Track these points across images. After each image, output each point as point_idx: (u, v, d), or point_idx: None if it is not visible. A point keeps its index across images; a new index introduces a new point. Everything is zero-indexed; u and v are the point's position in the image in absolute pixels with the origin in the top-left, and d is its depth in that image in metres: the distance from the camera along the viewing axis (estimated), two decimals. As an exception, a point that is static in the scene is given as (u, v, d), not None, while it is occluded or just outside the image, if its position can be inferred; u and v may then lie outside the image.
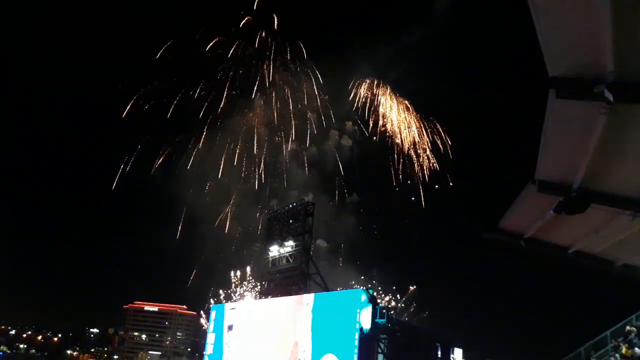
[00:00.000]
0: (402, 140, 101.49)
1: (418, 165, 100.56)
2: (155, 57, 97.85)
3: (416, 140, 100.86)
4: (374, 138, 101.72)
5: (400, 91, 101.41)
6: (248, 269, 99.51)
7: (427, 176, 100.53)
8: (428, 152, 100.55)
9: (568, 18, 7.02)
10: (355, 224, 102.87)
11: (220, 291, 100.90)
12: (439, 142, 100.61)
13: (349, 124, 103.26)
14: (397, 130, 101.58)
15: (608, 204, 10.29)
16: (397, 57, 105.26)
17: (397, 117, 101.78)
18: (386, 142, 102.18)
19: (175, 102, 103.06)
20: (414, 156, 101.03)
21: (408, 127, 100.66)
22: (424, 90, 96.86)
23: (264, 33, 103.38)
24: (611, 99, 7.37)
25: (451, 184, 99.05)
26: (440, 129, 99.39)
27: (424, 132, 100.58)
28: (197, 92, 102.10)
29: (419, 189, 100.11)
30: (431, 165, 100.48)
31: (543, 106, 8.35)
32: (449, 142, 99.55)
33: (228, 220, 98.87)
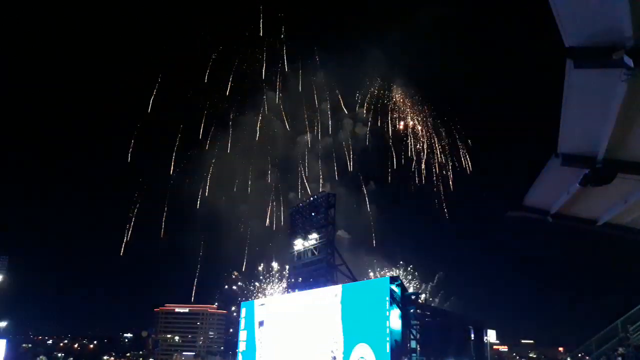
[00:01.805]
0: (419, 136, 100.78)
1: (437, 161, 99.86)
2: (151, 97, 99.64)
3: (433, 136, 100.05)
4: (389, 130, 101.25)
5: (413, 78, 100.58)
6: (274, 264, 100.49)
7: (446, 164, 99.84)
8: (446, 146, 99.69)
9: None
10: (375, 213, 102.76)
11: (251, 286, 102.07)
12: (456, 135, 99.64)
13: (362, 111, 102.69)
14: (411, 125, 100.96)
15: (635, 172, 10.08)
16: (409, 42, 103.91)
17: (411, 111, 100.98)
18: (402, 137, 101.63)
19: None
20: (431, 151, 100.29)
21: (423, 123, 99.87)
22: (439, 73, 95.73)
23: (271, 39, 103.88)
24: (631, 64, 7.20)
25: (471, 170, 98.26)
26: (457, 130, 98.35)
27: (441, 126, 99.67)
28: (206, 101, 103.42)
29: (439, 182, 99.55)
30: (449, 160, 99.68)
31: (561, 78, 8.21)
32: (469, 143, 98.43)
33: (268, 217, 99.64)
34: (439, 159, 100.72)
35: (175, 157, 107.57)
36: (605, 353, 23.74)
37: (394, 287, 28.39)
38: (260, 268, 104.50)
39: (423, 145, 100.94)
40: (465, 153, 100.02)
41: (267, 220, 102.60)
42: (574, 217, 13.30)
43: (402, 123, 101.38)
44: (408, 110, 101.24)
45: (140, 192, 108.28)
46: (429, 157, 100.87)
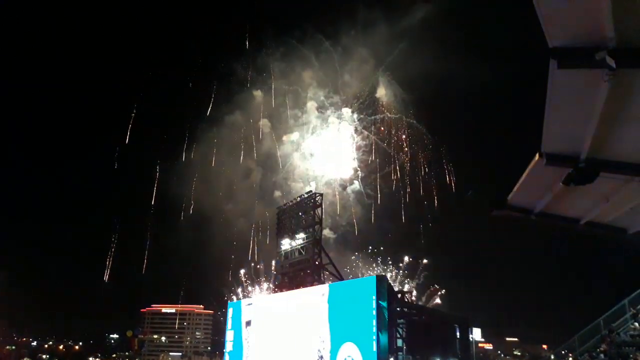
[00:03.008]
0: (402, 143, 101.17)
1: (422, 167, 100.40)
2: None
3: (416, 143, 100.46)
4: (372, 132, 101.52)
5: (398, 75, 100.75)
6: (261, 264, 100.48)
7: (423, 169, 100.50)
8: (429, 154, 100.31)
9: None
10: (360, 212, 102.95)
11: (240, 287, 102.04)
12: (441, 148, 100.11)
13: (348, 111, 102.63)
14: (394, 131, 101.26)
15: (617, 171, 10.22)
16: (395, 40, 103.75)
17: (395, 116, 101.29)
18: (386, 138, 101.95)
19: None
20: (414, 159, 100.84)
21: (406, 130, 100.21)
22: (423, 72, 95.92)
23: (258, 41, 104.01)
24: (613, 65, 7.30)
25: (455, 182, 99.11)
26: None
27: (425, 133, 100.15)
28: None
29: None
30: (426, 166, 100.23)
31: (545, 78, 8.30)
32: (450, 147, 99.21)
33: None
34: (423, 170, 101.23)
35: (160, 160, 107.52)
36: (588, 350, 24.04)
37: (380, 286, 28.49)
38: (246, 268, 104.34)
39: (406, 151, 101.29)
40: (450, 167, 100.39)
41: (253, 219, 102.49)
42: (558, 215, 13.46)
43: (385, 130, 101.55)
44: (392, 115, 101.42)
45: (125, 200, 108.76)
46: (412, 164, 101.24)
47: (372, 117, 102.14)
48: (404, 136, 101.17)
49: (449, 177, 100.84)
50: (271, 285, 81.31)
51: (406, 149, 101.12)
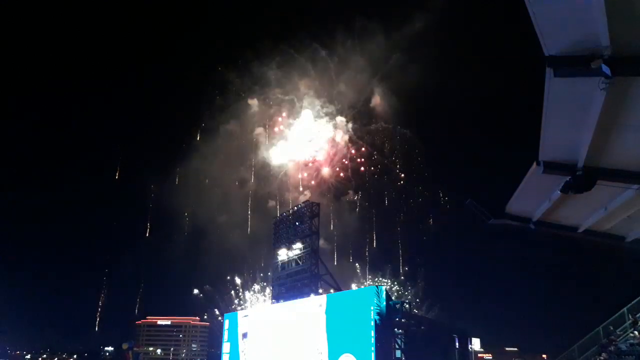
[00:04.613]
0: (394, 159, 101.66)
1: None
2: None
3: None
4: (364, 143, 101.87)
5: (393, 85, 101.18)
6: (257, 274, 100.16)
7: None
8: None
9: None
10: (356, 222, 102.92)
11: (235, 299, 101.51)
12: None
13: (342, 120, 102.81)
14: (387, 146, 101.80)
15: (614, 179, 10.24)
16: (391, 50, 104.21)
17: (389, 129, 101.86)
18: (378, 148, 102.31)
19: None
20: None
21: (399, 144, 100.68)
22: (418, 82, 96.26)
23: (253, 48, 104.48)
24: (609, 73, 7.33)
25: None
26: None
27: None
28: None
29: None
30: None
31: (542, 87, 8.32)
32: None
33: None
34: (418, 179, 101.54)
35: (155, 171, 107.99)
36: (588, 359, 23.94)
37: (378, 296, 28.33)
38: (243, 279, 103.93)
39: (400, 161, 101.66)
40: (443, 196, 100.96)
41: (248, 230, 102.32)
42: (556, 224, 13.46)
43: (379, 139, 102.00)
44: (386, 125, 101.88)
45: (123, 208, 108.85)
46: (406, 174, 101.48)
47: (367, 127, 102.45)
48: (398, 146, 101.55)
49: (443, 188, 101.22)
50: (268, 296, 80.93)
51: (398, 159, 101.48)
